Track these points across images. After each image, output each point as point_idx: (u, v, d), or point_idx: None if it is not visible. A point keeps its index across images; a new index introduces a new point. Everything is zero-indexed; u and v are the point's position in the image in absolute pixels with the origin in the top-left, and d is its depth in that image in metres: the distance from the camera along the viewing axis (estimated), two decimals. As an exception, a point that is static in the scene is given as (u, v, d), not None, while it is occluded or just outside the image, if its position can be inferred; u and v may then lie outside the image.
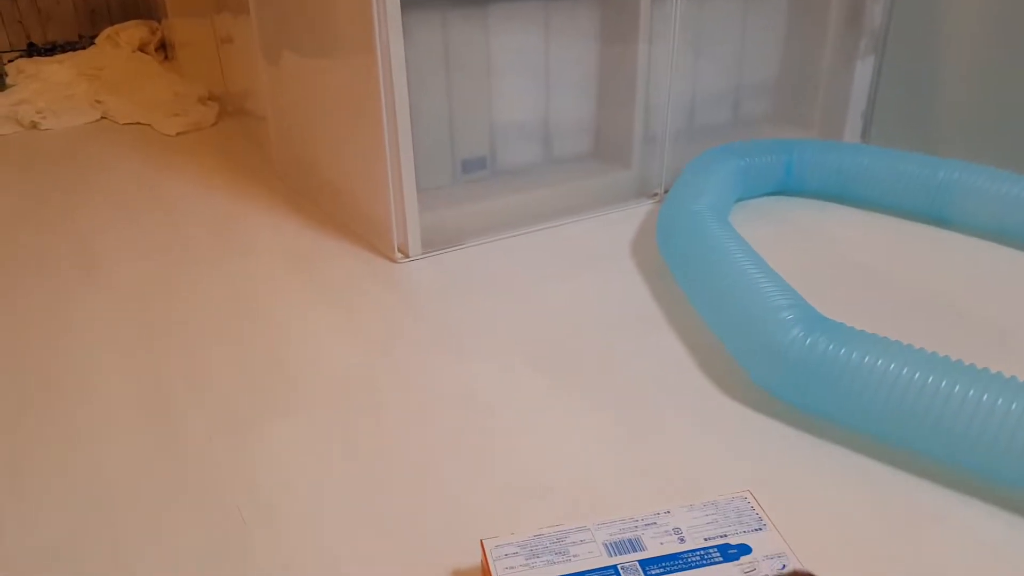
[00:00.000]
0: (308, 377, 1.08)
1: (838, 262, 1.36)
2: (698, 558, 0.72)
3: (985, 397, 0.83)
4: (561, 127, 1.60)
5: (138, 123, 2.09)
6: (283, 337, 1.18)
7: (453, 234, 1.43)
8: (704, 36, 1.65)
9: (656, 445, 0.94)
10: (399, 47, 1.25)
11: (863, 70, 1.82)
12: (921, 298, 1.25)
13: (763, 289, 1.03)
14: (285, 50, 1.58)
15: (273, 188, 1.69)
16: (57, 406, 1.04)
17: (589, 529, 0.74)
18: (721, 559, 0.72)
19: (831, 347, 0.93)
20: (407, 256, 1.37)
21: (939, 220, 1.49)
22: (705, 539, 0.73)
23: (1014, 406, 0.81)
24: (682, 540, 0.73)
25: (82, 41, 2.85)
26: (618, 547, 0.72)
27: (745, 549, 0.73)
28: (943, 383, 0.85)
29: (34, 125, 2.09)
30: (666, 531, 0.74)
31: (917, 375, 0.87)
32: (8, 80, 2.37)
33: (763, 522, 0.74)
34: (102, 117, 2.14)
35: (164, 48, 2.68)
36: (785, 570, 0.70)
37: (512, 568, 0.71)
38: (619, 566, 0.71)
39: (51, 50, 2.78)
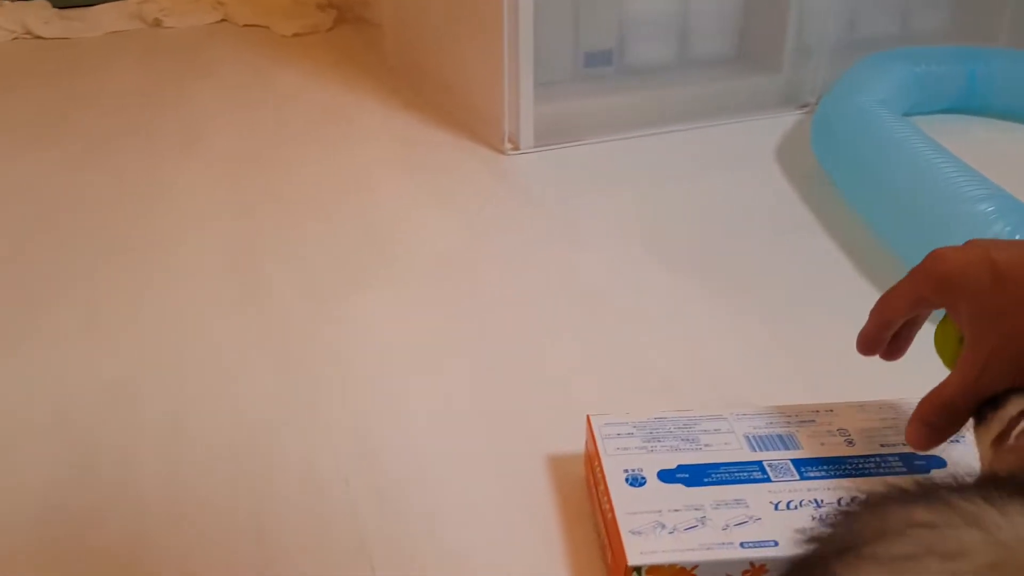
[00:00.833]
0: (406, 255, 0.97)
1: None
2: (873, 465, 0.55)
3: None
4: (702, 24, 1.41)
5: (256, 24, 2.04)
6: (382, 217, 1.07)
7: (570, 129, 1.28)
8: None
9: (806, 349, 0.78)
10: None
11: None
12: None
13: (954, 181, 0.84)
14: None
15: (385, 84, 1.59)
16: (147, 261, 0.97)
17: (726, 419, 0.59)
18: (905, 470, 0.55)
19: (1041, 241, 0.73)
20: (517, 148, 1.24)
21: None
22: (881, 445, 0.57)
23: None
24: (850, 443, 0.57)
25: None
26: (764, 442, 0.57)
27: (938, 462, 0.56)
28: None
29: (157, 23, 2.07)
30: (828, 431, 0.58)
31: None
32: (139, -14, 2.38)
33: (960, 433, 0.57)
34: (222, 19, 2.11)
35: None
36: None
37: (626, 449, 0.56)
38: (765, 463, 0.55)
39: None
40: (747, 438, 0.57)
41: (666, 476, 0.54)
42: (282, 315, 0.85)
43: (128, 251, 0.98)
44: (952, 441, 0.54)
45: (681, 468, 0.55)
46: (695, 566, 0.49)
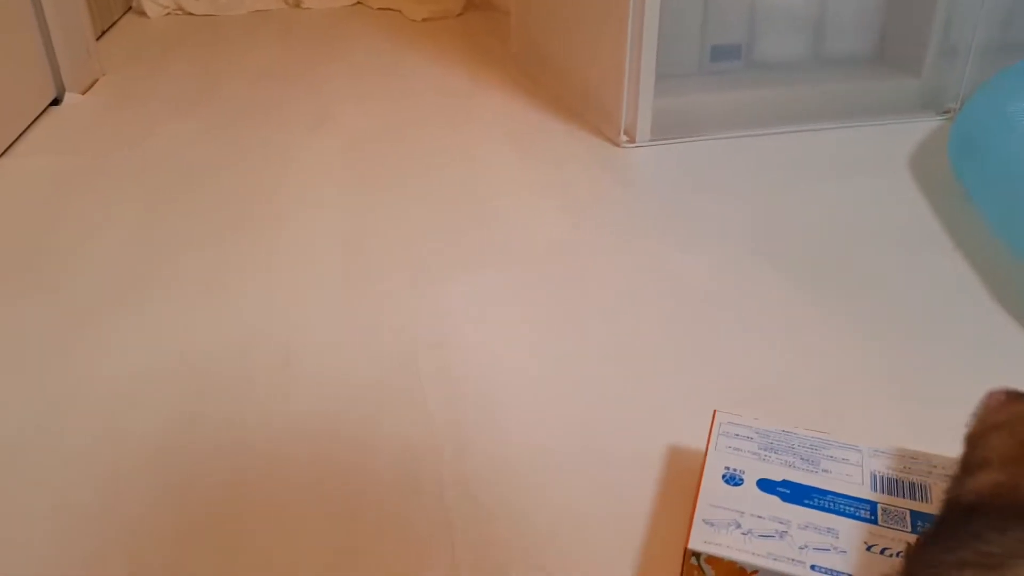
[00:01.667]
0: (513, 241, 0.98)
1: None
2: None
3: None
4: (839, 21, 1.35)
5: (389, 8, 2.09)
6: (493, 202, 1.08)
7: (689, 124, 1.25)
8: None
9: (922, 380, 0.73)
10: None
11: None
12: None
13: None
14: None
15: (507, 73, 1.60)
16: (268, 230, 1.01)
17: (860, 451, 0.56)
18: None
19: None
20: (633, 141, 1.22)
21: None
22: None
23: None
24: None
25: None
26: (890, 485, 0.53)
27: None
28: None
29: (297, 3, 2.16)
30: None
31: None
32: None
33: None
34: (358, 2, 2.17)
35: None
36: None
37: (737, 450, 0.55)
38: (880, 505, 0.52)
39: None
40: (874, 476, 0.53)
41: (766, 485, 0.52)
42: (388, 291, 0.87)
43: (252, 220, 1.03)
44: None
45: (785, 483, 0.53)
46: (755, 571, 0.47)
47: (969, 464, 0.46)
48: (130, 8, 2.18)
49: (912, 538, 0.50)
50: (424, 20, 1.99)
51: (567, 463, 0.63)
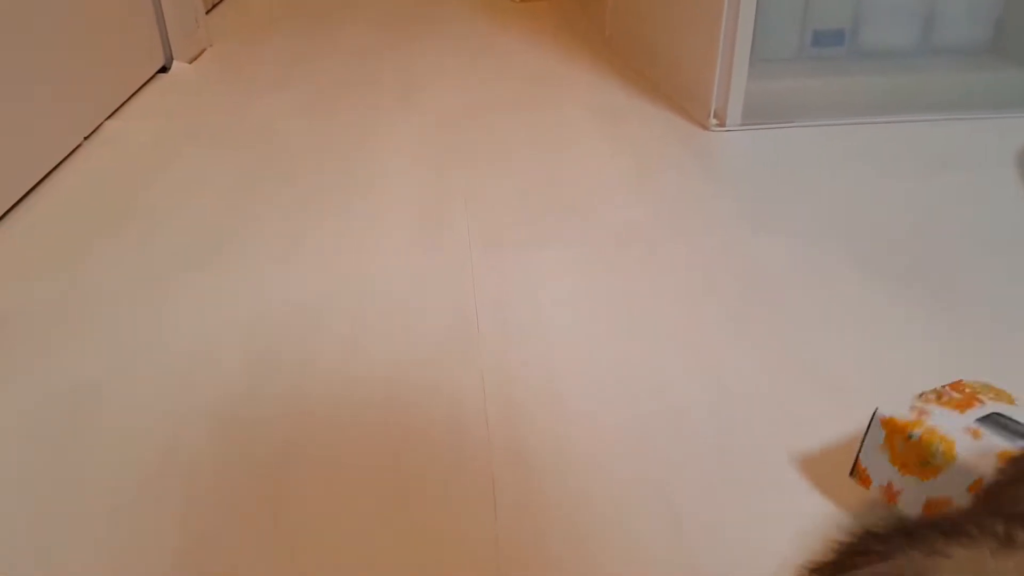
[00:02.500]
0: (592, 219, 0.97)
1: None
2: None
3: None
4: (952, 9, 1.28)
5: (487, -11, 2.11)
6: (575, 180, 1.07)
7: (785, 109, 1.21)
8: None
9: (1003, 374, 0.69)
10: None
11: None
12: None
13: None
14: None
15: (600, 55, 1.58)
16: (350, 200, 1.04)
17: None
18: None
19: None
20: (722, 124, 1.19)
21: None
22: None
23: None
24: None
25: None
26: None
27: None
28: None
29: (397, -17, 2.19)
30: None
31: None
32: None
33: None
34: (457, -18, 2.19)
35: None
36: None
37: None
38: None
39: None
40: None
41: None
42: (460, 261, 0.87)
43: (336, 190, 1.05)
44: None
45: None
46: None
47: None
48: (240, -16, 2.26)
49: None
50: (521, 1, 1.99)
51: (617, 438, 0.63)
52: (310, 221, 0.97)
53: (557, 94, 1.37)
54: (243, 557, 0.53)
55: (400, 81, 1.47)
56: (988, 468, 0.51)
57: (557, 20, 1.84)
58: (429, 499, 0.57)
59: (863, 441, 0.55)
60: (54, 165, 1.11)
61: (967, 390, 0.59)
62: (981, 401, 0.57)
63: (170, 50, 1.55)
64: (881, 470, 0.54)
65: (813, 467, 0.60)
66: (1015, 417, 0.55)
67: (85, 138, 1.21)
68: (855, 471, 0.56)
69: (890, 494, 0.54)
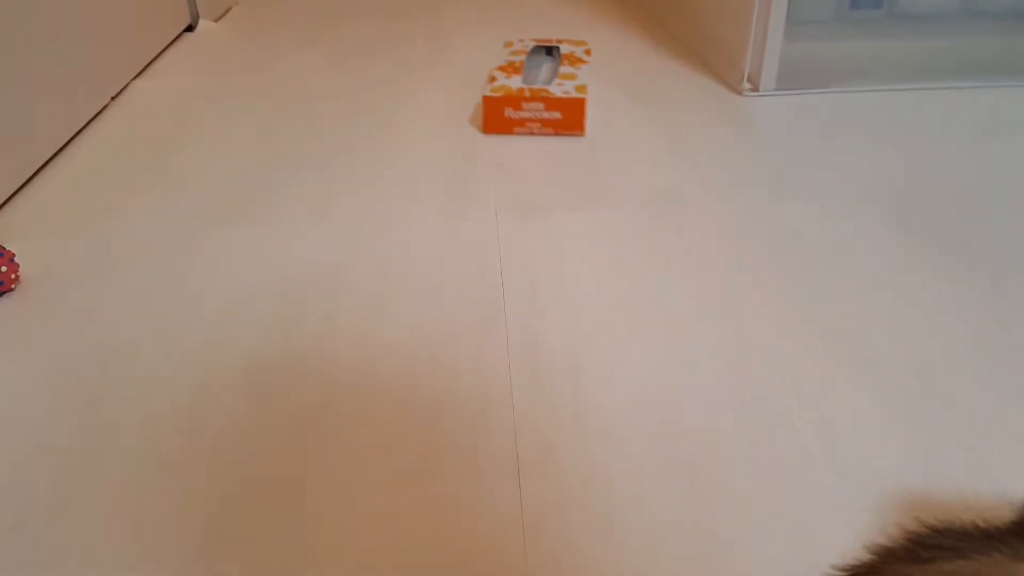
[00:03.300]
0: (620, 184, 0.95)
1: None
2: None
3: None
4: (1000, -32, 1.23)
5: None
6: (603, 143, 1.06)
7: (820, 74, 1.18)
8: None
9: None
10: None
11: None
12: None
13: None
14: None
15: (628, 9, 1.55)
16: (376, 161, 1.03)
17: None
18: None
19: None
20: (756, 89, 1.16)
21: None
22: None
23: None
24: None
25: None
26: None
27: None
28: None
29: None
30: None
31: None
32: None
33: None
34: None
35: None
36: None
37: None
38: None
39: None
40: None
41: None
42: (486, 225, 0.87)
43: (362, 150, 1.05)
44: None
45: None
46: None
47: None
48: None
49: None
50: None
51: (642, 412, 0.62)
52: (337, 179, 0.97)
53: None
54: (270, 518, 0.54)
55: (430, 40, 1.45)
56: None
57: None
58: (454, 464, 0.58)
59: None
60: (82, 126, 1.11)
61: None
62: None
63: (196, 8, 1.54)
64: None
65: (836, 437, 0.59)
66: None
67: (112, 98, 1.21)
68: None
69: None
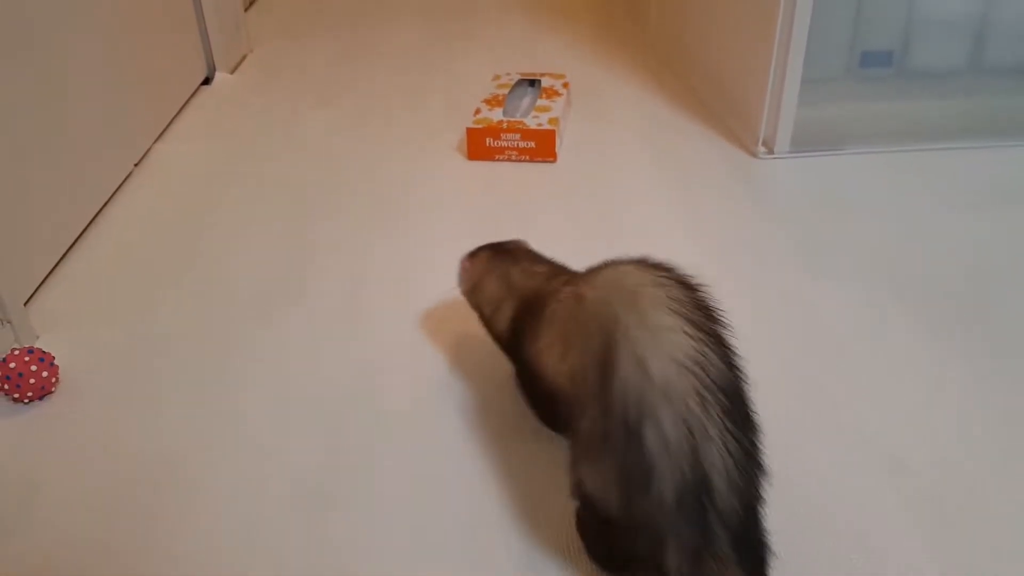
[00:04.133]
0: (631, 244, 0.97)
1: None
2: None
3: None
4: (1002, 27, 1.25)
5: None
6: (615, 199, 1.08)
7: (832, 136, 1.20)
8: None
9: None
10: None
11: None
12: None
13: None
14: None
15: (642, 60, 1.57)
16: (406, 231, 1.05)
17: None
18: None
19: None
20: (771, 152, 1.18)
21: None
22: None
23: None
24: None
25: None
26: None
27: None
28: None
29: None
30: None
31: None
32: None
33: None
34: (492, -27, 2.17)
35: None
36: None
37: None
38: None
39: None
40: None
41: None
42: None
43: (385, 221, 1.07)
44: None
45: None
46: None
47: (487, 313, 0.75)
48: (273, -24, 2.24)
49: None
50: (559, -2, 1.97)
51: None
52: (369, 257, 0.99)
53: (604, 108, 1.37)
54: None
55: (446, 91, 1.46)
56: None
57: (599, 20, 1.82)
58: None
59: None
60: (107, 198, 1.13)
61: None
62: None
63: (212, 60, 1.55)
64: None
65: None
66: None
67: (135, 165, 1.23)
68: None
69: None
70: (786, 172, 1.16)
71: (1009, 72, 1.28)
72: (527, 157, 1.20)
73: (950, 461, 0.69)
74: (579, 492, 0.58)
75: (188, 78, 1.48)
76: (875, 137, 1.20)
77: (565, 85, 1.34)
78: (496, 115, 1.22)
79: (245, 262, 1.00)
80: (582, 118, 1.34)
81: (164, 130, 1.34)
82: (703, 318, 0.56)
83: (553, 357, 0.63)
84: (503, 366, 0.76)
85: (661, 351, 0.53)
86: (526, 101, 1.31)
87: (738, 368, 0.56)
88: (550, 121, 1.21)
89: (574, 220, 1.06)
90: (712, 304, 0.58)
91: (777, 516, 0.56)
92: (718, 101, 1.33)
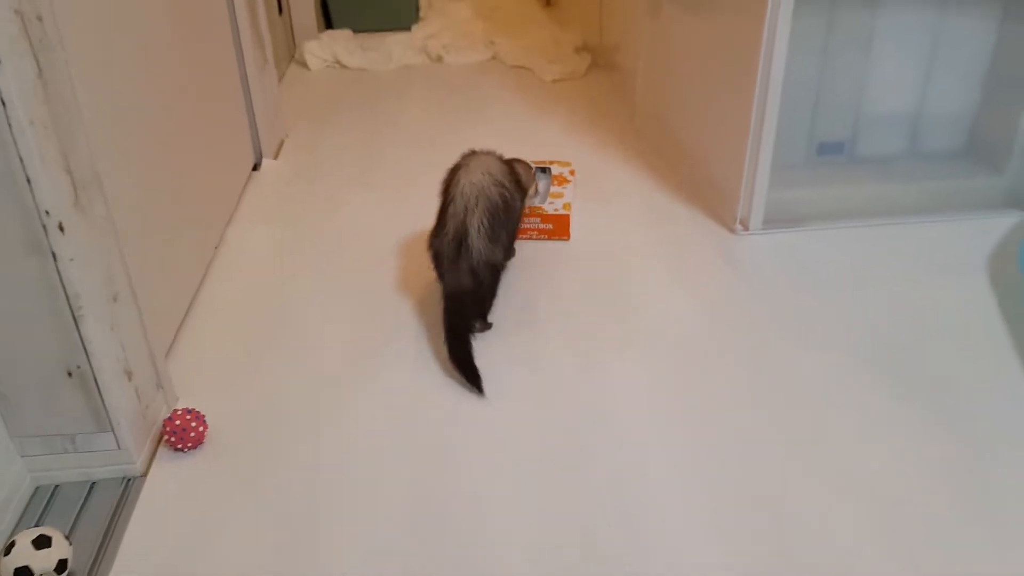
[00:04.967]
0: (638, 326, 1.22)
1: None
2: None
3: None
4: (933, 120, 1.53)
5: (522, 66, 2.33)
6: (615, 280, 1.32)
7: (796, 215, 1.46)
8: None
9: (997, 480, 0.94)
10: (787, 18, 1.27)
11: None
12: None
13: None
14: (668, 4, 1.67)
15: (631, 143, 1.82)
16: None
17: None
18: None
19: None
20: (747, 229, 1.44)
21: None
22: None
23: None
24: None
25: (481, -19, 3.18)
26: None
27: None
28: None
29: (439, 58, 2.42)
30: None
31: None
32: (421, 14, 2.76)
33: None
34: (493, 56, 2.42)
35: (550, -6, 2.91)
36: None
37: None
38: None
39: (456, -12, 3.15)
40: None
41: None
42: (506, 370, 1.12)
43: (423, 283, 1.30)
44: None
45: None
46: None
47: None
48: (293, 58, 2.49)
49: None
50: (554, 81, 2.22)
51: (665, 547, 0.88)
52: (407, 317, 1.22)
53: (599, 191, 1.61)
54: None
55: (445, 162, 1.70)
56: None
57: (588, 101, 2.07)
58: None
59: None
60: (200, 280, 1.35)
61: None
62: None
63: (260, 147, 1.78)
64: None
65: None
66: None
67: (216, 248, 1.45)
68: None
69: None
70: (759, 246, 1.41)
71: (941, 158, 1.55)
72: (545, 236, 1.44)
73: (909, 494, 0.93)
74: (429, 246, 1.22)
75: (242, 165, 1.70)
76: (831, 215, 1.46)
77: (572, 172, 1.58)
78: None
79: (327, 325, 1.22)
80: (585, 200, 1.58)
81: (231, 216, 1.56)
82: (498, 180, 1.21)
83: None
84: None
85: (469, 180, 1.19)
86: (542, 186, 1.55)
87: (506, 200, 1.21)
88: (564, 207, 1.45)
89: (589, 288, 1.30)
90: (509, 189, 1.23)
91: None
92: (701, 185, 1.58)
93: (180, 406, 1.05)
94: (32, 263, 0.84)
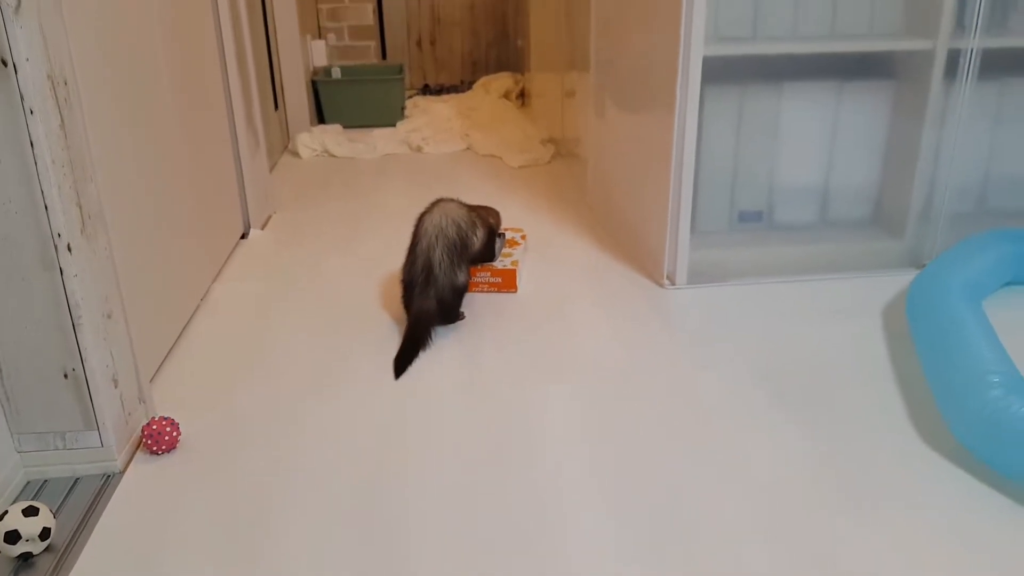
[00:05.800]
0: (575, 360, 1.38)
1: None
2: None
3: None
4: (840, 193, 1.74)
5: (492, 155, 2.57)
6: (563, 320, 1.49)
7: (720, 272, 1.64)
8: (1006, 119, 1.68)
9: (849, 473, 1.09)
10: (694, 112, 1.51)
11: None
12: None
13: (980, 354, 1.12)
14: (611, 106, 1.92)
15: (583, 216, 2.03)
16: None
17: None
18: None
19: None
20: (674, 283, 1.62)
21: None
22: None
23: None
24: None
25: (463, 86, 3.50)
26: None
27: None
28: None
29: (419, 149, 2.67)
30: None
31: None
32: (406, 112, 3.03)
33: None
34: (467, 147, 2.67)
35: (523, 96, 3.20)
36: None
37: None
38: None
39: (439, 91, 3.46)
40: None
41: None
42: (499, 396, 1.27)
43: (390, 335, 1.47)
44: None
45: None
46: None
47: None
48: (286, 148, 2.74)
49: None
50: (520, 167, 2.46)
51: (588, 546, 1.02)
52: (382, 358, 1.38)
53: (554, 254, 1.81)
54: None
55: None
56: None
57: (549, 185, 2.30)
58: (484, 549, 0.96)
59: None
60: (184, 324, 1.52)
61: None
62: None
63: (248, 219, 1.99)
64: None
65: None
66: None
67: (201, 299, 1.63)
68: None
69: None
70: (684, 298, 1.59)
71: (849, 225, 1.75)
72: (495, 289, 1.63)
73: (793, 485, 1.08)
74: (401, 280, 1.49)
75: (231, 232, 1.90)
76: (751, 272, 1.64)
77: (523, 237, 1.79)
78: None
79: (296, 360, 1.38)
80: (535, 261, 1.77)
81: (218, 274, 1.75)
82: (455, 221, 1.48)
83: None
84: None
85: (432, 221, 1.46)
86: (496, 247, 1.75)
87: (462, 237, 1.48)
88: (512, 263, 1.64)
89: (531, 331, 1.47)
90: (464, 227, 1.50)
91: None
92: (637, 248, 1.78)
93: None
94: (45, 277, 1.02)
